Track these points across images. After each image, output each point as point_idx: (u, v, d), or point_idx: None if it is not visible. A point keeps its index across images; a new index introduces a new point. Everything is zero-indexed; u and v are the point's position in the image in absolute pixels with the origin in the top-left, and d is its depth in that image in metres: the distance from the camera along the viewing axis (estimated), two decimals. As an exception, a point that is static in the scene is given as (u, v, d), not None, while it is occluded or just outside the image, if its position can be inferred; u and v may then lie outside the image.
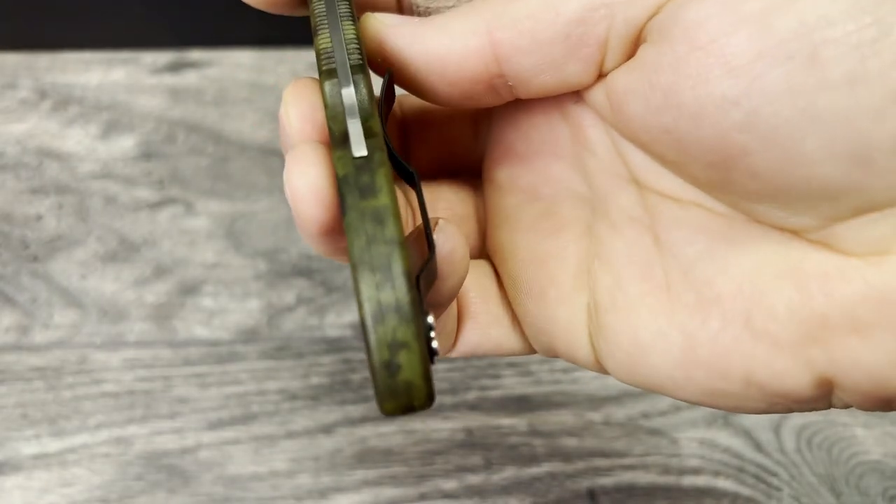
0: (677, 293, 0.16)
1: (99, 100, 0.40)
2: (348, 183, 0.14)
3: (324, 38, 0.16)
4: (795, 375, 0.15)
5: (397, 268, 0.13)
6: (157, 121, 0.39)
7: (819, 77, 0.13)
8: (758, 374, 0.15)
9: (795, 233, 0.15)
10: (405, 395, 0.14)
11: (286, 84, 0.16)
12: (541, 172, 0.18)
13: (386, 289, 0.13)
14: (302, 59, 0.42)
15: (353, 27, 0.16)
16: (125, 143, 0.38)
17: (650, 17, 0.15)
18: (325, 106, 0.15)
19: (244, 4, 0.17)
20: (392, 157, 0.15)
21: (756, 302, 0.15)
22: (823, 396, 0.15)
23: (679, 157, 0.15)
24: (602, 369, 0.18)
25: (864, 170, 0.13)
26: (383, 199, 0.14)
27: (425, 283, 0.15)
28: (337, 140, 0.15)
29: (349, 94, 0.15)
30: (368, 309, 0.13)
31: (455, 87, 0.16)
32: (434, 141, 0.20)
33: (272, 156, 0.38)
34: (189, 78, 0.41)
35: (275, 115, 0.39)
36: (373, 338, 0.13)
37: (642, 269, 0.17)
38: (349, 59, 0.15)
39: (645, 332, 0.16)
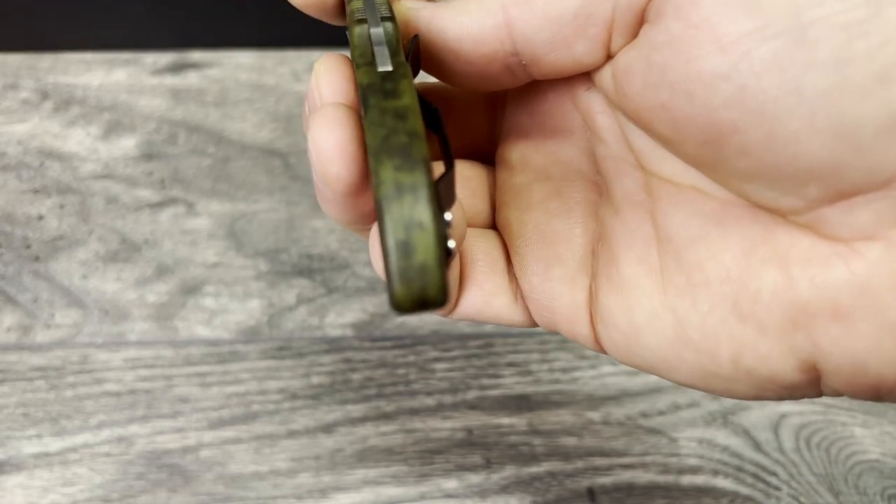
0: (670, 276, 0.16)
1: (100, 100, 0.40)
2: (372, 88, 0.14)
3: (357, 2, 0.16)
4: (781, 360, 0.15)
5: (416, 153, 0.13)
6: (159, 121, 0.39)
7: (806, 56, 0.13)
8: (745, 357, 0.15)
9: (784, 215, 0.15)
10: (418, 282, 0.13)
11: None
12: (552, 154, 0.19)
13: (404, 171, 0.13)
14: (302, 60, 0.42)
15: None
16: (126, 144, 0.38)
17: None
18: (353, 47, 0.15)
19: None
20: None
21: (743, 286, 0.15)
22: (811, 383, 0.15)
23: (675, 134, 0.15)
24: (601, 349, 0.18)
25: (848, 150, 0.13)
26: (405, 101, 0.14)
27: (444, 195, 0.14)
28: (362, 64, 0.15)
29: (377, 32, 0.15)
30: (385, 190, 0.13)
31: (472, 67, 0.17)
32: (451, 125, 0.20)
33: (273, 156, 0.38)
34: (190, 79, 0.41)
35: (276, 116, 0.39)
36: (388, 217, 0.13)
37: (639, 252, 0.17)
38: (379, 10, 0.16)
39: (639, 313, 0.17)
